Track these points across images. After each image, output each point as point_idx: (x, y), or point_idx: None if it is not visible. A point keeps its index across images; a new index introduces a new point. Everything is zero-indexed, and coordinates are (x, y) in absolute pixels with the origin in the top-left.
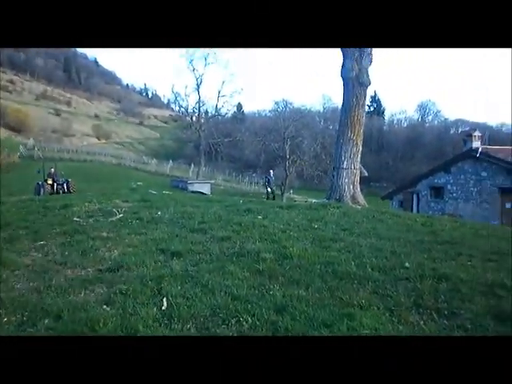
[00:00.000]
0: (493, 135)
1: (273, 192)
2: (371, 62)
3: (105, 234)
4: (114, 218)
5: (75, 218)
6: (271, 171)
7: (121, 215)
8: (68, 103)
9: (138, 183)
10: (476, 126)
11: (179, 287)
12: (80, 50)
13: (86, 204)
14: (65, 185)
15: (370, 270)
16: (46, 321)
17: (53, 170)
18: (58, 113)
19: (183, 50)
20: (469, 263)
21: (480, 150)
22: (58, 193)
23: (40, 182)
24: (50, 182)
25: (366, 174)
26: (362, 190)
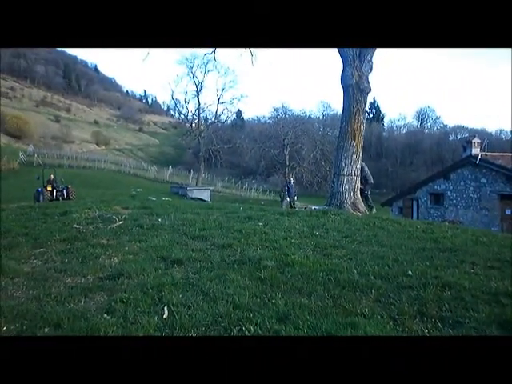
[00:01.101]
0: (492, 142)
1: (293, 201)
2: (371, 69)
3: (105, 241)
4: (114, 225)
5: (75, 225)
6: (291, 179)
7: (121, 222)
8: (68, 110)
9: (138, 190)
10: (475, 133)
11: (180, 295)
12: (80, 57)
13: (86, 211)
14: (64, 191)
15: (372, 277)
16: (46, 329)
17: (52, 176)
18: (57, 119)
19: (183, 58)
20: (472, 271)
21: (479, 156)
22: (57, 199)
23: (39, 189)
24: (49, 188)
25: (372, 182)
26: (366, 196)
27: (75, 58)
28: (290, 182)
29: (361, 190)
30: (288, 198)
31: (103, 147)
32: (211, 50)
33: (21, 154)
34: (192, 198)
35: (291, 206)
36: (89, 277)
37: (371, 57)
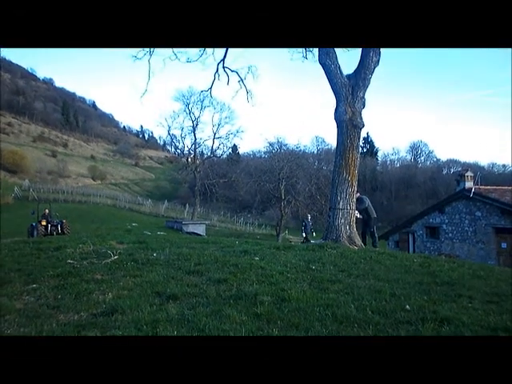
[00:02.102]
0: (485, 175)
1: (309, 236)
2: (364, 105)
3: (99, 277)
4: (108, 260)
5: (69, 260)
6: (309, 216)
7: (116, 257)
8: (65, 145)
9: (133, 224)
10: (468, 166)
11: (175, 332)
12: (79, 94)
13: (80, 245)
14: (59, 226)
15: (370, 312)
16: None
17: (47, 211)
18: (54, 154)
19: (179, 94)
20: (470, 305)
21: (473, 190)
22: (51, 234)
23: (34, 224)
24: (43, 223)
25: (375, 216)
26: (372, 232)
27: (74, 94)
28: (307, 218)
29: (365, 225)
30: (304, 234)
31: (99, 182)
32: (207, 87)
33: (16, 188)
34: (187, 233)
35: (307, 240)
36: (82, 313)
37: (363, 94)
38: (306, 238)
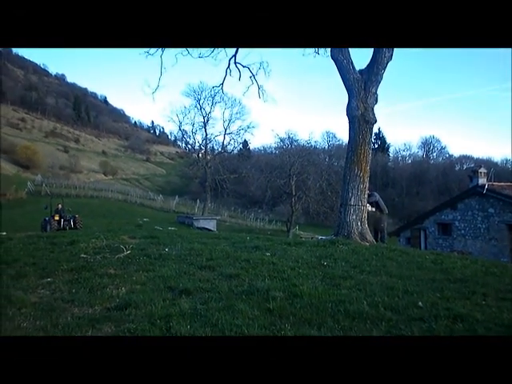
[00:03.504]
0: (498, 171)
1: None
2: (376, 101)
3: (112, 271)
4: (121, 255)
5: (82, 255)
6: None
7: (128, 252)
8: (76, 140)
9: (145, 219)
10: (481, 163)
11: (188, 326)
12: (90, 89)
13: (93, 240)
14: (71, 221)
15: (382, 309)
16: None
17: (60, 205)
18: (66, 149)
19: (190, 90)
20: (483, 302)
21: (486, 186)
22: (64, 229)
23: (47, 218)
24: (56, 217)
25: (387, 211)
26: (383, 229)
27: (85, 90)
28: None
29: (377, 221)
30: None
31: (110, 177)
32: (219, 82)
33: (29, 183)
34: (198, 228)
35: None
36: (96, 307)
37: (376, 89)
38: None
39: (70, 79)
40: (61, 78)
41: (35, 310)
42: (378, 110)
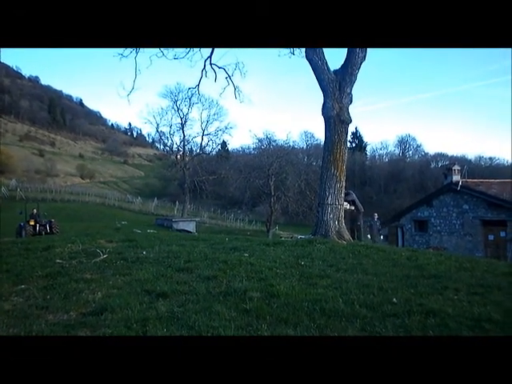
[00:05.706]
0: (472, 168)
1: (376, 238)
2: (351, 101)
3: (88, 276)
4: (97, 259)
5: (58, 260)
6: (376, 215)
7: (105, 256)
8: (52, 144)
9: (123, 222)
10: (455, 160)
11: (165, 329)
12: (66, 92)
13: (69, 245)
14: (47, 225)
15: (357, 306)
16: None
17: (35, 210)
18: (41, 153)
19: (167, 91)
20: (455, 297)
21: (460, 183)
22: (40, 234)
23: (22, 224)
24: (32, 223)
25: (362, 210)
26: (359, 227)
27: (60, 92)
28: (373, 219)
29: (353, 219)
30: (369, 236)
31: (88, 180)
32: (195, 84)
33: (3, 188)
34: (177, 230)
35: (374, 242)
36: (71, 313)
37: (351, 89)
38: (372, 239)
39: (44, 81)
40: (34, 81)
41: (8, 317)
42: (355, 109)
